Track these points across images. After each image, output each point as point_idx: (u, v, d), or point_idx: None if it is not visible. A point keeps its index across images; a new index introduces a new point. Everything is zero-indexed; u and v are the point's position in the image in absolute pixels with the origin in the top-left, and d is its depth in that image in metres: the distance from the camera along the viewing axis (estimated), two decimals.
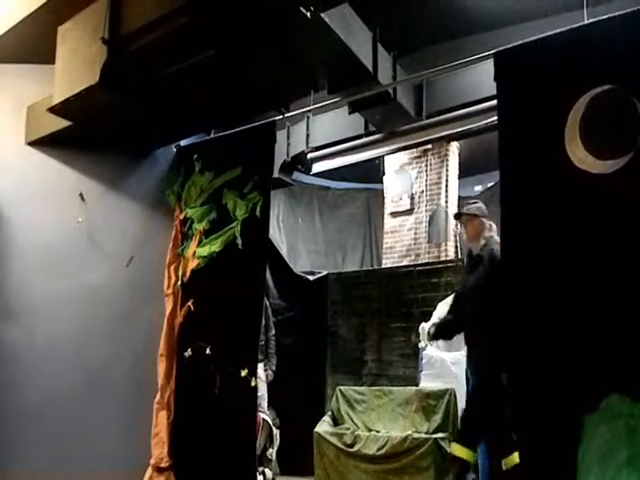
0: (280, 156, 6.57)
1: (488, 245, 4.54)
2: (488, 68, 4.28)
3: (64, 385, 5.55)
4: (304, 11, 3.99)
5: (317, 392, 6.87)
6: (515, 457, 4.02)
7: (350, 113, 5.56)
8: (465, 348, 4.76)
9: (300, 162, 6.97)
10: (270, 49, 4.55)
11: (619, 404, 3.22)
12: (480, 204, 4.90)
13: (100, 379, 5.64)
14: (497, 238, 4.52)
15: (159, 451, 5.46)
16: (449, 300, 5.93)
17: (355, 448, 4.83)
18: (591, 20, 3.82)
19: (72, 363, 5.62)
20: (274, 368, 6.41)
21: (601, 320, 3.40)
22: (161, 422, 5.54)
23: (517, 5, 5.36)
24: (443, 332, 4.83)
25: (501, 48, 4.15)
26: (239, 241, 5.44)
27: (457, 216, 4.92)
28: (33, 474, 5.21)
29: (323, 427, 5.21)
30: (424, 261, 7.01)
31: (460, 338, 5.59)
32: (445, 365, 5.46)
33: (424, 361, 5.64)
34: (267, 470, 6.35)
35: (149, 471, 5.45)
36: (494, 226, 4.64)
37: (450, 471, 4.38)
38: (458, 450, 4.25)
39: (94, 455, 5.44)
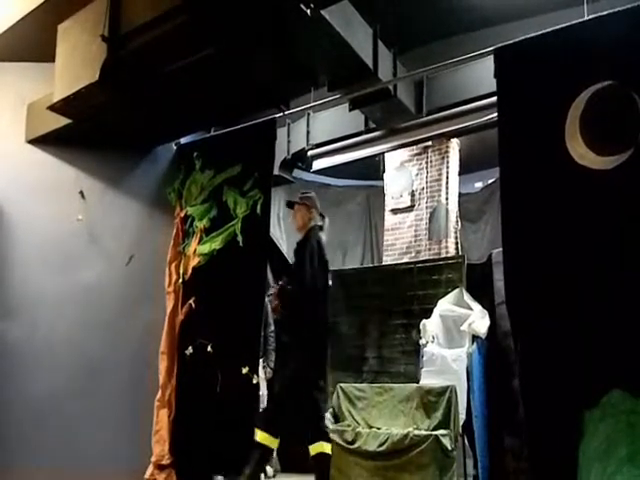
0: (280, 153, 6.57)
1: (311, 235, 4.85)
2: (488, 65, 4.27)
3: (64, 382, 5.56)
4: (304, 8, 3.98)
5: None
6: (321, 445, 4.42)
7: (350, 110, 5.55)
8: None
9: (300, 159, 6.97)
10: (270, 46, 4.54)
11: (620, 400, 3.23)
12: (310, 194, 5.17)
13: (101, 377, 5.65)
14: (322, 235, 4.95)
15: (160, 449, 5.47)
16: (450, 297, 5.95)
17: (356, 445, 4.83)
18: (591, 16, 3.81)
19: (72, 361, 5.63)
20: (272, 365, 6.42)
21: (603, 316, 3.40)
22: (162, 420, 5.54)
23: (517, 2, 5.35)
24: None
25: (501, 44, 4.15)
26: (240, 239, 5.44)
27: (289, 205, 5.18)
28: (34, 471, 5.22)
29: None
30: (425, 258, 7.01)
31: (462, 335, 5.61)
32: (446, 362, 5.45)
33: (425, 358, 5.64)
34: (268, 467, 6.36)
35: (150, 468, 5.46)
36: (327, 219, 5.07)
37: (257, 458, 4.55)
38: (261, 437, 4.52)
39: (95, 452, 5.45)
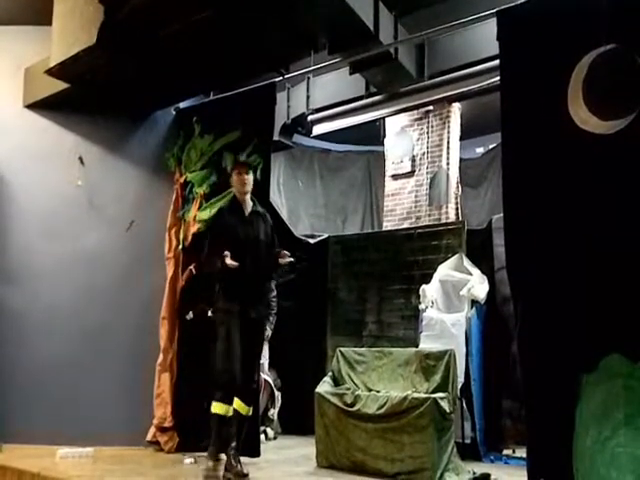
0: (280, 118, 6.52)
1: (257, 204, 4.91)
2: (491, 27, 4.22)
3: (66, 348, 5.61)
4: None
5: (318, 353, 6.94)
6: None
7: (351, 74, 5.50)
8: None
9: (300, 124, 6.92)
10: (269, 8, 4.48)
11: (618, 364, 3.25)
12: None
13: (102, 342, 5.70)
14: None
15: (162, 412, 5.54)
16: (449, 262, 5.97)
17: (355, 408, 4.89)
18: None
19: (74, 326, 5.67)
20: (272, 327, 6.48)
21: (602, 281, 3.41)
22: (164, 383, 5.61)
23: None
24: None
25: (504, 7, 4.09)
26: None
27: (240, 164, 5.03)
28: (37, 435, 5.30)
29: (324, 387, 5.26)
30: (425, 223, 7.02)
31: (461, 300, 5.64)
32: (445, 326, 5.50)
33: (424, 323, 5.68)
34: (269, 429, 6.47)
35: (152, 430, 5.54)
36: None
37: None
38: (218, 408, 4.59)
39: (97, 415, 5.52)
